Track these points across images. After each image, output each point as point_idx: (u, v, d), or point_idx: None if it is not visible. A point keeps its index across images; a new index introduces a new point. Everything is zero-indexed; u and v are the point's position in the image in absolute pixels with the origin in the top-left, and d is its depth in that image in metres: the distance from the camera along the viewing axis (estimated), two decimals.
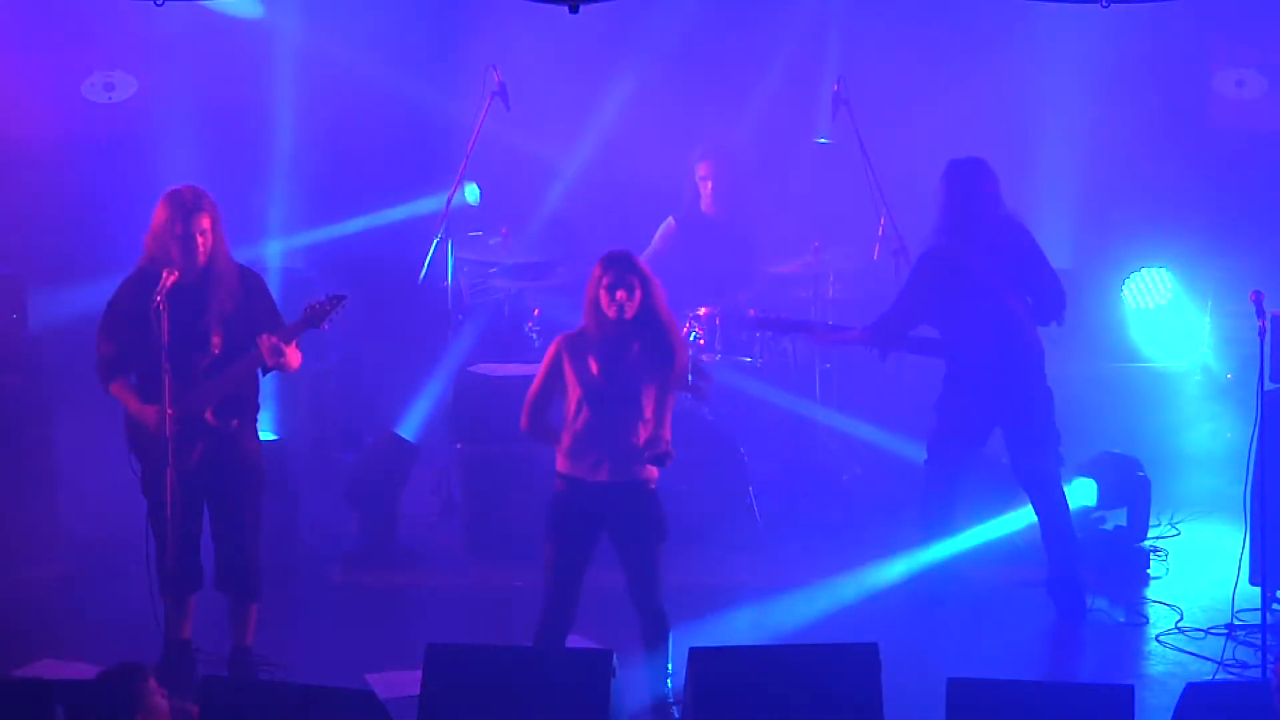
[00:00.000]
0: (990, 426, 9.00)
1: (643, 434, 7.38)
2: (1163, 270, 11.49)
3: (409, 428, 10.56)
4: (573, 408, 7.43)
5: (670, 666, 7.49)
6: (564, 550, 7.45)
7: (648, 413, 7.39)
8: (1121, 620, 9.04)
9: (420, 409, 10.74)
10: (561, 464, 7.50)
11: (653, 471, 7.46)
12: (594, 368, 7.37)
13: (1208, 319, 11.34)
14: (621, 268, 7.36)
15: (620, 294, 7.33)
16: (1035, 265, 8.91)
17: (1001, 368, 8.84)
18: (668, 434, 7.44)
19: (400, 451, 10.18)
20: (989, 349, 8.83)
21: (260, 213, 11.11)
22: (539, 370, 7.57)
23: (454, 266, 10.57)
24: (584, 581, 7.48)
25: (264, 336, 7.73)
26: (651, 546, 7.46)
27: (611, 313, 7.33)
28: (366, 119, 11.45)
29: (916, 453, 9.45)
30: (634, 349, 7.39)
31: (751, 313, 9.48)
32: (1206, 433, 11.14)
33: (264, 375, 8.00)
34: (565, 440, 7.46)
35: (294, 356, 7.83)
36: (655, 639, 7.49)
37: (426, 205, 10.66)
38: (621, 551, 7.50)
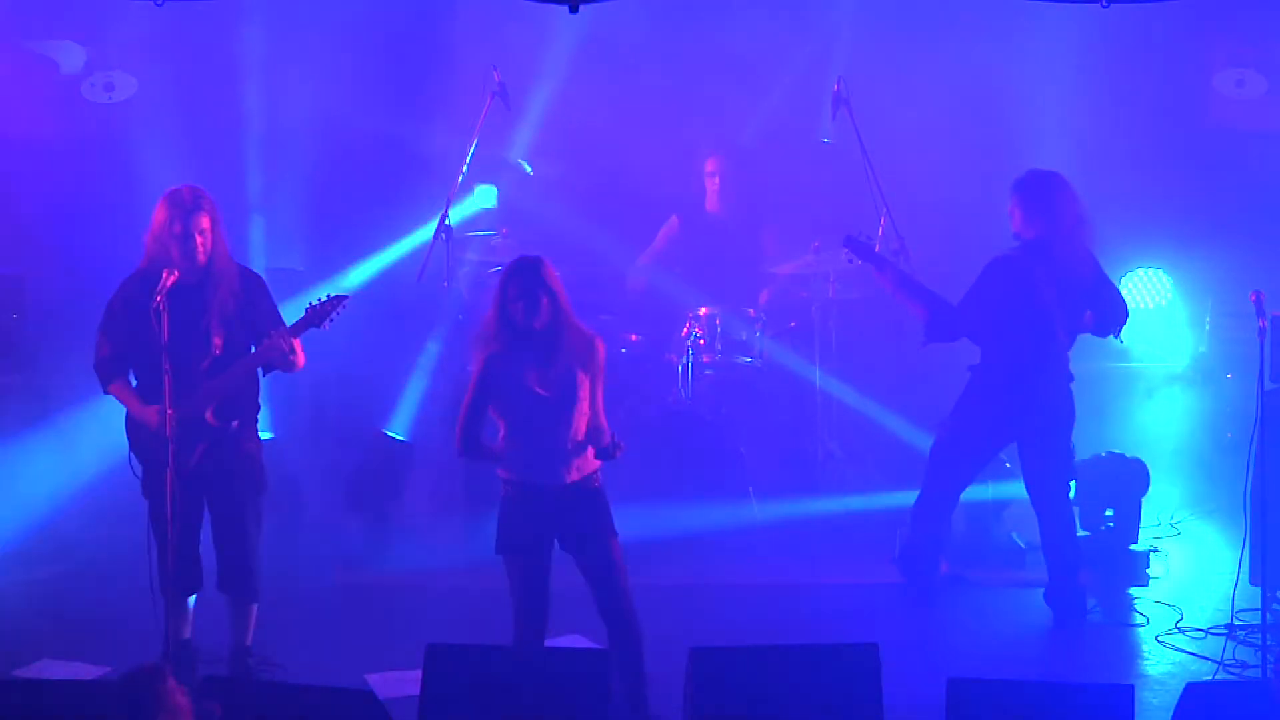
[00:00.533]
0: (1004, 439, 9.05)
1: (581, 427, 7.31)
2: (1160, 270, 11.49)
3: (409, 427, 10.57)
4: (513, 419, 7.33)
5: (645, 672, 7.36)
6: (523, 558, 7.34)
7: (584, 407, 7.31)
8: (1121, 620, 9.04)
9: (420, 409, 10.75)
10: (505, 471, 7.38)
11: (596, 465, 7.35)
12: (529, 378, 7.26)
13: (1207, 319, 11.34)
14: (527, 277, 7.22)
15: (523, 305, 7.19)
16: (1097, 281, 8.93)
17: (1029, 382, 8.85)
18: (606, 423, 7.36)
19: (399, 452, 10.19)
20: (1022, 361, 8.85)
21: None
22: (468, 391, 7.39)
23: (454, 267, 10.57)
24: (550, 584, 7.36)
25: (274, 331, 7.73)
26: (606, 545, 7.35)
27: (528, 321, 7.20)
28: (368, 132, 11.40)
29: (919, 447, 9.45)
30: (561, 350, 7.26)
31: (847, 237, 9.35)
32: (1205, 432, 11.14)
33: (264, 375, 8.00)
34: (507, 449, 7.33)
35: (299, 356, 7.84)
36: (626, 647, 7.32)
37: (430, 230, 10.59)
38: (578, 555, 7.38)
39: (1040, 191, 8.87)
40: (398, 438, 10.46)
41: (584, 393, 7.31)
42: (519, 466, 7.34)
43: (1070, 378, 8.94)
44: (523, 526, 7.35)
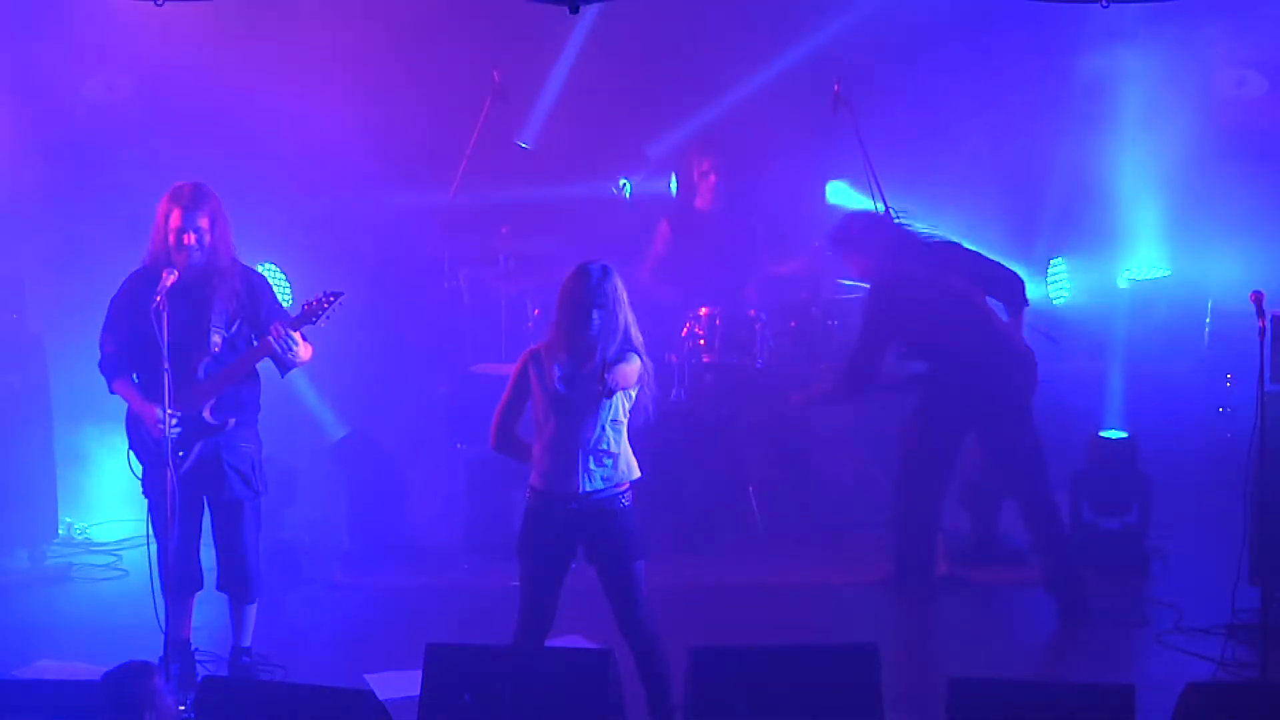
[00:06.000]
0: (965, 433, 9.05)
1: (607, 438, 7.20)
2: (1158, 269, 11.49)
3: (409, 427, 10.58)
4: (538, 418, 7.26)
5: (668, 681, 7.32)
6: (534, 564, 7.30)
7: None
8: (1121, 620, 9.05)
9: (421, 409, 10.75)
10: (533, 477, 7.31)
11: (625, 487, 7.24)
12: (559, 380, 7.17)
13: (1207, 319, 11.33)
14: (588, 281, 7.15)
15: (581, 313, 7.10)
16: (983, 266, 8.98)
17: (973, 372, 8.86)
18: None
19: (399, 451, 10.20)
20: (970, 350, 8.87)
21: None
22: (506, 385, 7.37)
23: (454, 266, 10.56)
24: (560, 590, 7.29)
25: (275, 325, 7.73)
26: (625, 566, 7.23)
27: (581, 330, 7.12)
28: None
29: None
30: (597, 359, 7.12)
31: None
32: (1205, 431, 11.13)
33: (283, 376, 7.99)
34: (536, 453, 7.27)
35: (305, 349, 7.84)
36: (647, 661, 7.27)
37: None
38: (598, 572, 7.32)
39: (855, 234, 9.08)
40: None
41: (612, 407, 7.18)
42: (542, 472, 7.26)
43: (1015, 354, 8.91)
44: (541, 536, 7.27)
